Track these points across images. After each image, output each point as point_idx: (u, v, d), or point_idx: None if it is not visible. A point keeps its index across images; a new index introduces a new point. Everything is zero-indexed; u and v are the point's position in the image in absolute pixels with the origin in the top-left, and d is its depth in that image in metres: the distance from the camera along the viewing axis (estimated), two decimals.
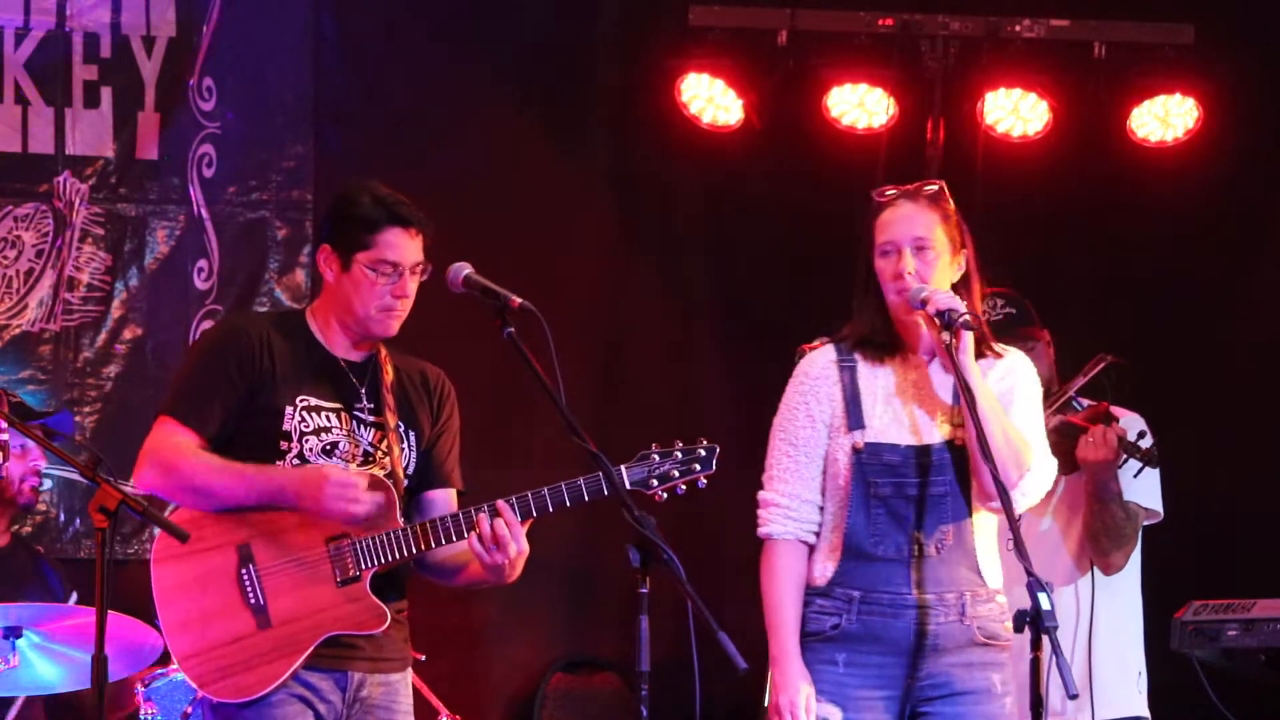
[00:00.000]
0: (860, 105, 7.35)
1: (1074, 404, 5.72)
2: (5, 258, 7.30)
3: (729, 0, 7.38)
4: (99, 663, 4.14)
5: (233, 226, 7.46)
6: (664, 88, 7.40)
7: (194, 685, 4.56)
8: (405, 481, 4.69)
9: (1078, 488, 5.67)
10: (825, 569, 4.67)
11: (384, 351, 4.76)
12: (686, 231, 7.76)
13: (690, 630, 4.15)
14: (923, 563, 4.62)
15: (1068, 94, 7.32)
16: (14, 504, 6.50)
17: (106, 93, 7.37)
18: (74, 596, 6.43)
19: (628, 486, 4.48)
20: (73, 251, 7.33)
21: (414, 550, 4.56)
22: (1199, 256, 7.56)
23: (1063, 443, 5.56)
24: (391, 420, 4.68)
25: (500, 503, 4.53)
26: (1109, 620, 5.70)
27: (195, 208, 7.42)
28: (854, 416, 4.66)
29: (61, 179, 7.34)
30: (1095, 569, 5.70)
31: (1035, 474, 4.66)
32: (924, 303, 4.58)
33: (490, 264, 4.52)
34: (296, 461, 4.58)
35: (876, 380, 4.71)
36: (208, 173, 7.43)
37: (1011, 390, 4.73)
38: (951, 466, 4.64)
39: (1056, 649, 4.20)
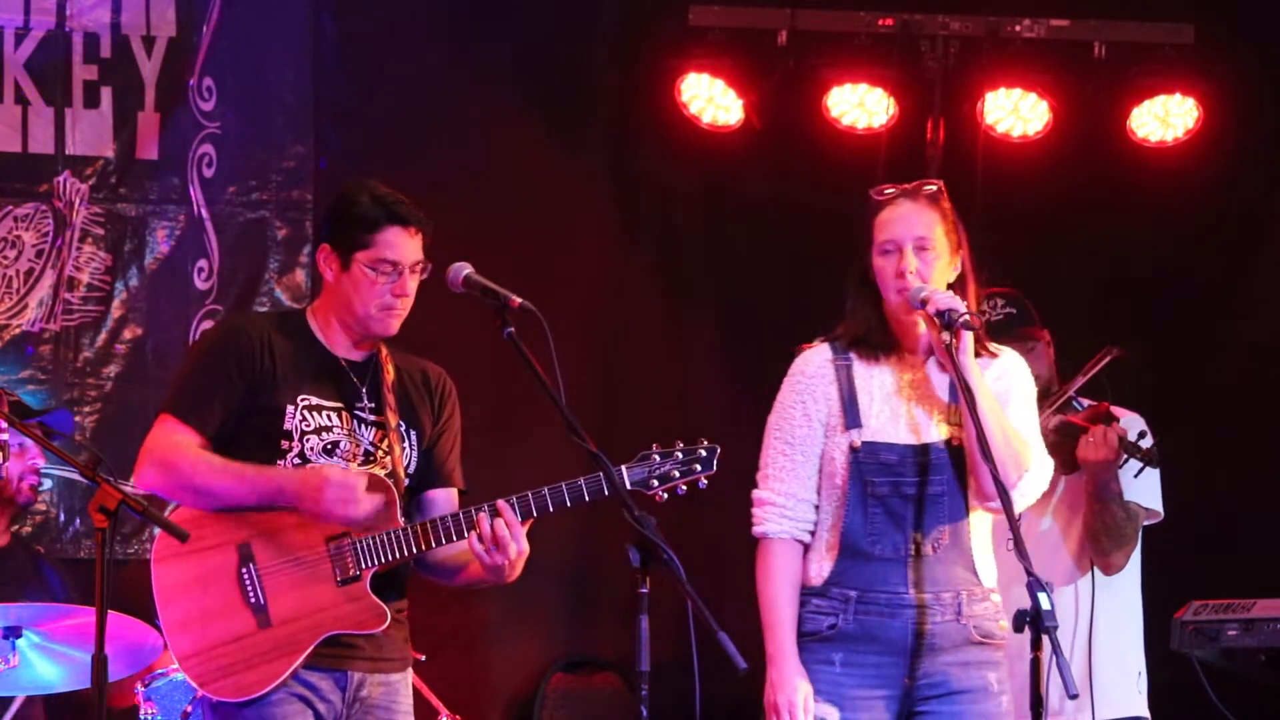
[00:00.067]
0: (860, 105, 7.35)
1: (1074, 404, 5.72)
2: (5, 258, 7.30)
3: (729, 0, 7.38)
4: (99, 663, 4.14)
5: (233, 226, 7.46)
6: (664, 88, 7.40)
7: (194, 685, 4.56)
8: (406, 481, 4.69)
9: (1078, 488, 5.67)
10: (821, 569, 4.67)
11: (385, 351, 4.76)
12: (686, 231, 7.76)
13: (690, 630, 4.15)
14: (919, 562, 4.62)
15: (1068, 94, 7.32)
16: (13, 503, 6.50)
17: (106, 93, 7.37)
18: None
19: (628, 487, 4.49)
20: (73, 251, 7.32)
21: (414, 550, 4.56)
22: (1199, 256, 7.56)
23: (1063, 443, 5.56)
24: (393, 420, 4.68)
25: (500, 503, 4.53)
26: (1109, 620, 5.69)
27: (195, 208, 7.42)
28: (851, 415, 4.66)
29: (61, 179, 7.34)
30: (1095, 569, 5.70)
31: (1033, 474, 4.67)
32: (924, 302, 4.58)
33: (490, 264, 4.52)
34: (297, 460, 4.58)
35: (873, 379, 4.71)
36: (208, 173, 7.43)
37: (1008, 390, 4.74)
38: (948, 466, 4.64)
39: (1056, 649, 4.20)
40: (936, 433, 4.67)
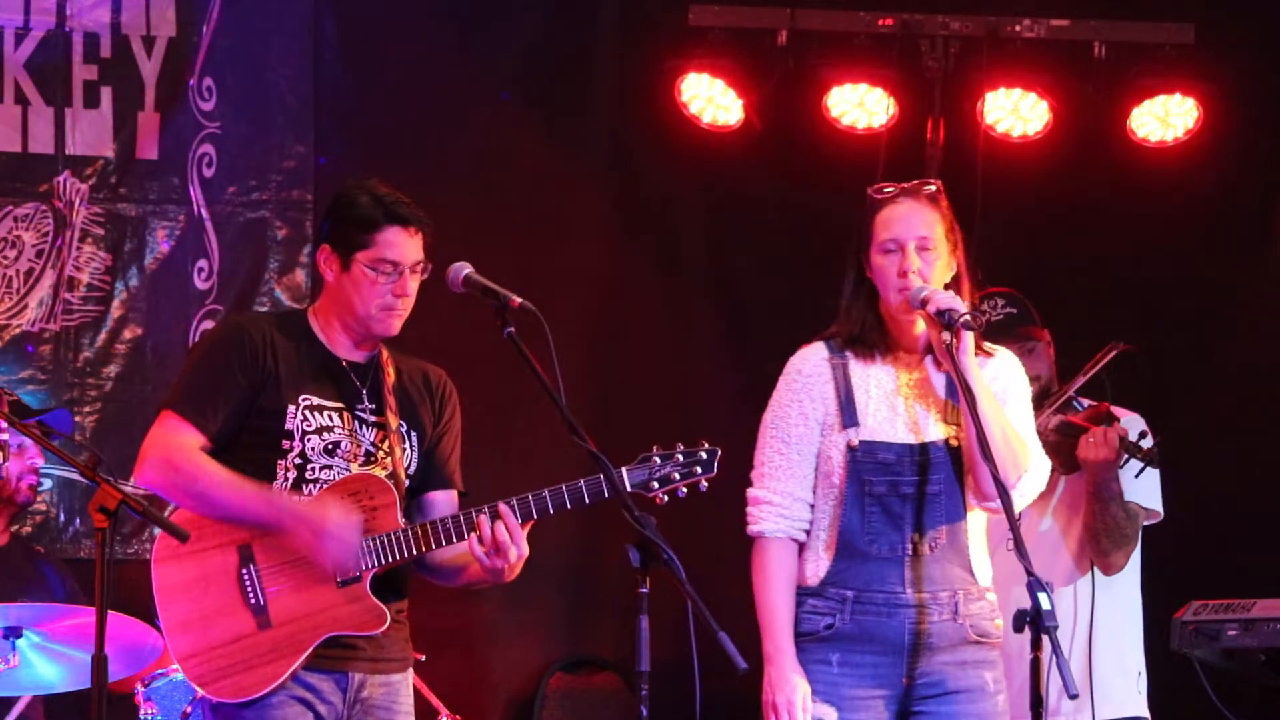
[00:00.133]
0: (860, 105, 7.34)
1: (1074, 404, 5.72)
2: (5, 258, 7.29)
3: (729, 0, 7.38)
4: (99, 663, 4.14)
5: (233, 226, 7.46)
6: (664, 87, 7.40)
7: (194, 685, 4.56)
8: (406, 482, 4.69)
9: (1078, 488, 5.67)
10: (818, 568, 4.66)
11: (386, 353, 4.76)
12: (686, 231, 7.76)
13: (690, 630, 4.15)
14: (917, 562, 4.62)
15: (1068, 94, 7.32)
16: (12, 503, 6.51)
17: (106, 93, 7.37)
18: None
19: (628, 489, 4.48)
20: (73, 251, 7.32)
21: (415, 551, 4.56)
22: (1199, 256, 7.56)
23: (1063, 443, 5.56)
24: (393, 421, 4.68)
25: (501, 505, 4.53)
26: (1109, 620, 5.69)
27: (195, 208, 7.41)
28: (848, 414, 4.66)
29: (61, 179, 7.34)
30: (1095, 569, 5.70)
31: (1032, 474, 4.67)
32: (924, 302, 4.58)
33: (490, 264, 4.52)
34: (298, 460, 4.58)
35: (869, 378, 4.71)
36: (208, 173, 7.43)
37: (1005, 390, 4.74)
38: (946, 465, 4.64)
39: (1056, 649, 4.20)
40: (934, 432, 4.66)
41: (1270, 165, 7.52)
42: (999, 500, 4.43)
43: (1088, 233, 7.55)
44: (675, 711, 4.55)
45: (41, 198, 7.33)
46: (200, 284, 7.42)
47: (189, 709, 5.93)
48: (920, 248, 4.64)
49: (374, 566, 4.54)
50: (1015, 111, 7.36)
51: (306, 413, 4.61)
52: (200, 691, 4.54)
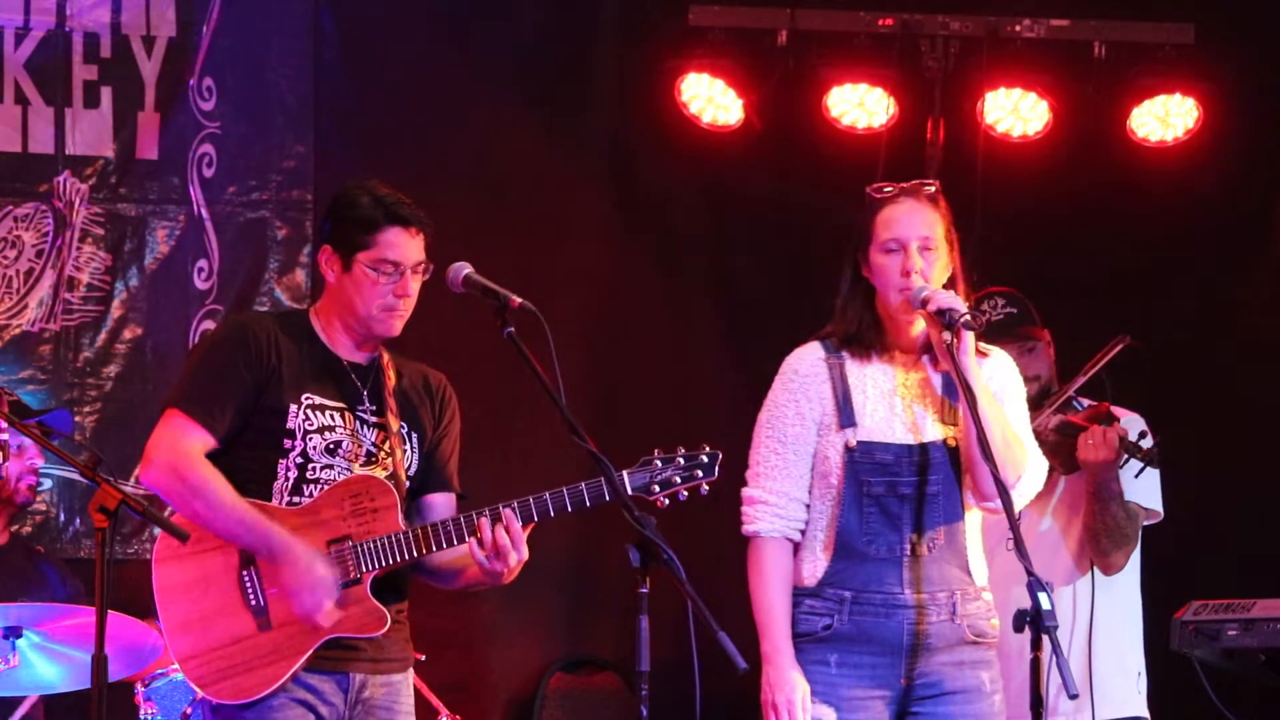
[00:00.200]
0: (860, 105, 7.35)
1: (1074, 404, 5.72)
2: (5, 258, 7.29)
3: (729, 0, 7.38)
4: (99, 663, 4.13)
5: (233, 226, 7.46)
6: (664, 88, 7.40)
7: (194, 687, 4.55)
8: (407, 484, 4.69)
9: (1078, 488, 5.67)
10: (815, 569, 4.66)
11: (386, 355, 4.75)
12: (686, 231, 7.76)
13: (690, 630, 4.15)
14: (915, 562, 4.62)
15: (1068, 94, 7.32)
16: (11, 503, 6.51)
17: (106, 93, 7.37)
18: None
19: (629, 492, 4.47)
20: (73, 251, 7.32)
21: (415, 553, 4.55)
22: (1199, 256, 7.56)
23: (1063, 443, 5.56)
24: (394, 423, 4.68)
25: (504, 509, 4.52)
26: (1109, 620, 5.69)
27: (195, 208, 7.41)
28: (846, 415, 4.65)
29: (61, 179, 7.34)
30: (1095, 569, 5.70)
31: (1030, 474, 4.67)
32: (924, 302, 4.58)
33: (490, 264, 4.52)
34: (300, 460, 4.58)
35: (866, 378, 4.70)
36: (208, 173, 7.43)
37: (1002, 390, 4.74)
38: (945, 466, 4.64)
39: (1056, 649, 4.20)
40: (932, 432, 4.66)
41: (1270, 165, 7.52)
42: (998, 500, 4.43)
43: (1088, 233, 7.55)
44: (675, 711, 4.55)
45: (41, 198, 7.33)
46: (200, 284, 7.42)
47: (189, 710, 5.94)
48: (923, 248, 4.64)
49: (374, 569, 4.54)
50: (1015, 111, 7.36)
51: (309, 412, 4.60)
52: (200, 692, 4.54)
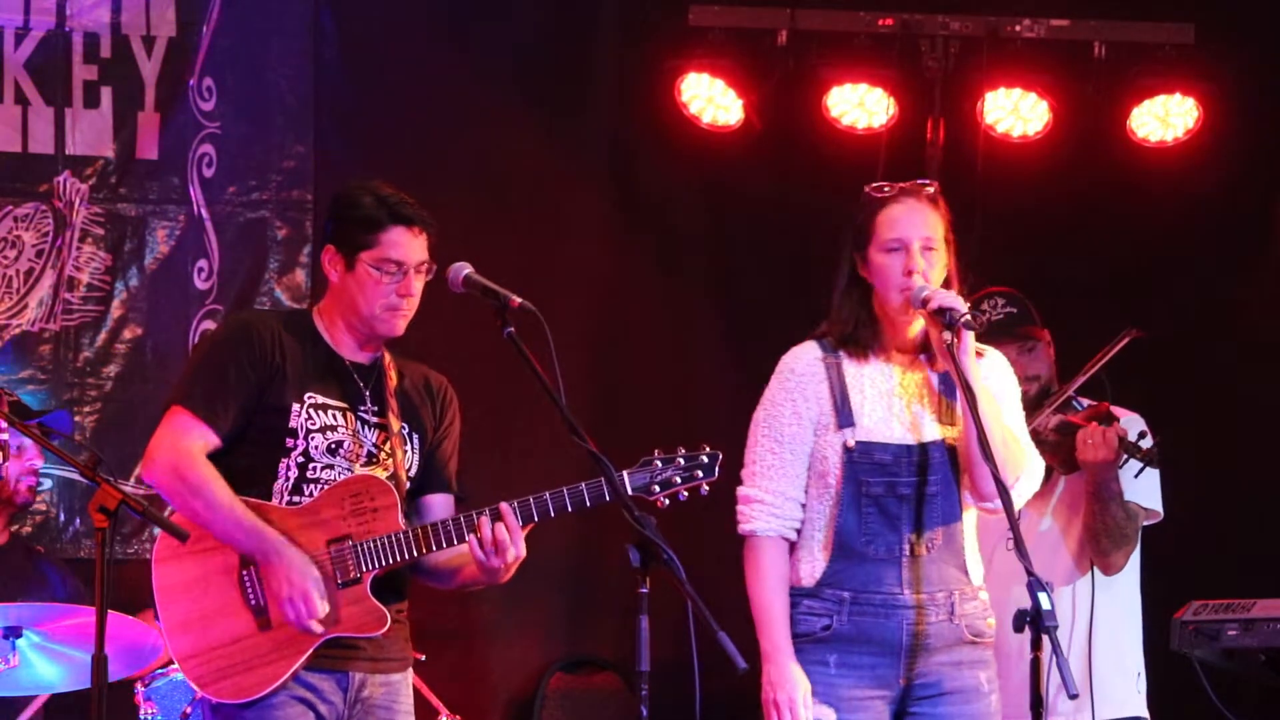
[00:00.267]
0: (860, 105, 7.34)
1: (1074, 404, 5.72)
2: (5, 258, 7.30)
3: (729, 0, 7.38)
4: (99, 663, 4.13)
5: (233, 226, 7.46)
6: (664, 88, 7.40)
7: (194, 686, 4.55)
8: (407, 484, 4.69)
9: (1078, 488, 5.67)
10: (814, 569, 4.66)
11: (388, 356, 4.76)
12: (686, 231, 7.76)
13: (690, 630, 4.15)
14: (915, 562, 4.61)
15: (1068, 94, 7.32)
16: (11, 504, 6.51)
17: (106, 93, 7.37)
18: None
19: (630, 492, 4.48)
20: (73, 251, 7.33)
21: (415, 553, 4.55)
22: (1199, 256, 7.56)
23: (1063, 443, 5.56)
24: (395, 424, 4.68)
25: (503, 506, 4.53)
26: (1108, 620, 5.69)
27: (195, 208, 7.42)
28: (844, 415, 4.65)
29: (61, 179, 7.34)
30: (1095, 569, 5.70)
31: (1028, 474, 4.67)
32: (925, 301, 4.57)
33: (490, 264, 4.52)
34: (301, 459, 4.58)
35: (863, 378, 4.70)
36: (208, 173, 7.43)
37: (999, 390, 4.73)
38: (943, 466, 4.64)
39: (1056, 649, 4.20)
40: (931, 432, 4.66)
41: (1270, 165, 7.52)
42: (997, 500, 4.43)
43: (1088, 233, 7.55)
44: (675, 711, 4.55)
45: (41, 198, 7.33)
46: (200, 284, 7.42)
47: (189, 709, 5.94)
48: (925, 248, 4.64)
49: (374, 568, 4.54)
50: (1015, 111, 7.36)
51: (311, 411, 4.60)
52: (200, 692, 4.54)
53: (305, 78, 7.50)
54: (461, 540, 4.54)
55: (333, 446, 4.61)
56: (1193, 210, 7.48)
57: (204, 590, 4.53)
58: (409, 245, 4.62)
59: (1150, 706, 5.79)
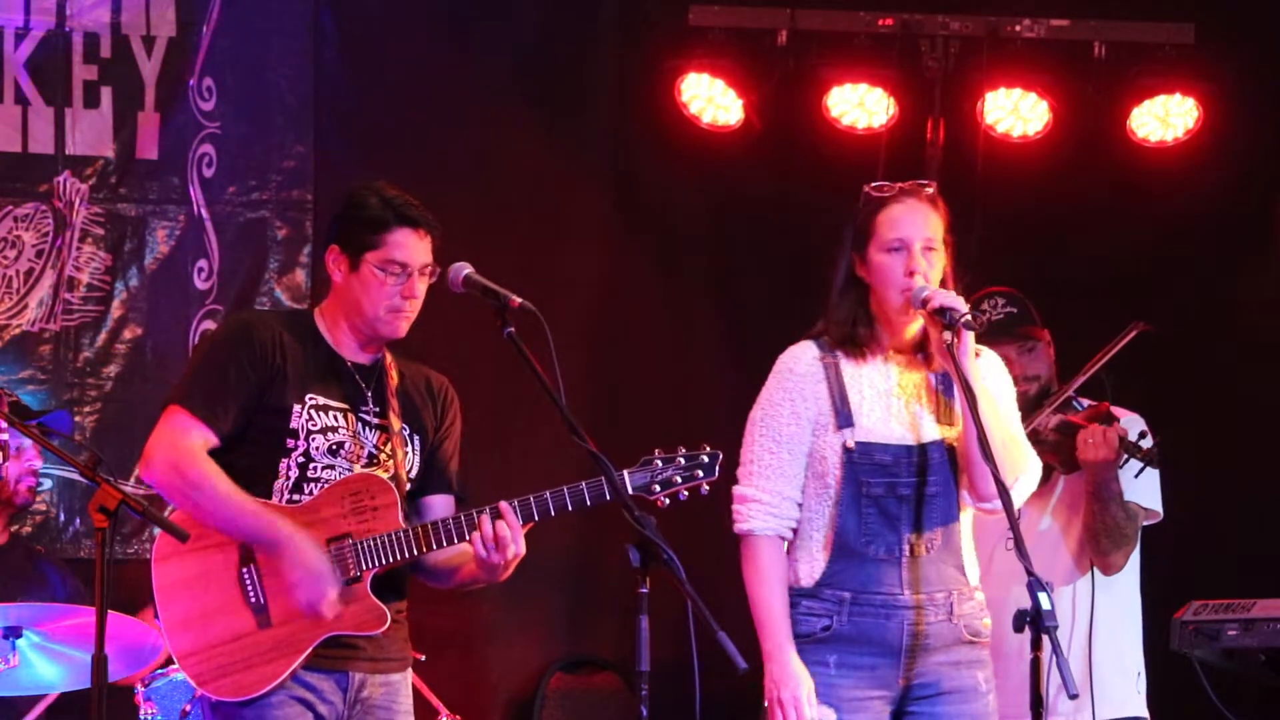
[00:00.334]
0: (860, 105, 7.35)
1: (1074, 404, 5.72)
2: (5, 258, 7.30)
3: (729, 0, 7.38)
4: (99, 663, 4.13)
5: (233, 226, 7.46)
6: (664, 88, 7.40)
7: (193, 683, 4.56)
8: (408, 484, 4.69)
9: (1077, 488, 5.67)
10: (813, 570, 4.66)
11: (389, 357, 4.76)
12: (686, 231, 7.76)
13: (690, 630, 4.15)
14: (914, 563, 4.61)
15: (1068, 94, 7.32)
16: (11, 504, 6.51)
17: (106, 93, 7.37)
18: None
19: (630, 492, 4.48)
20: (73, 251, 7.33)
21: (415, 552, 4.56)
22: (1199, 256, 7.56)
23: (1063, 442, 5.56)
24: (396, 424, 4.68)
25: (503, 504, 4.53)
26: (1108, 620, 5.69)
27: (195, 208, 7.42)
28: (843, 415, 4.65)
29: (61, 179, 7.34)
30: (1095, 569, 5.70)
31: (1027, 474, 4.67)
32: (925, 301, 4.57)
33: (490, 264, 4.52)
34: (301, 460, 4.58)
35: (861, 378, 4.70)
36: (208, 173, 7.43)
37: (996, 390, 4.73)
38: (943, 466, 4.63)
39: (1056, 648, 4.20)
40: (930, 432, 4.66)
41: (1270, 165, 7.52)
42: (996, 501, 4.43)
43: (1088, 233, 7.55)
44: (675, 711, 4.55)
45: (41, 198, 7.33)
46: (200, 284, 7.42)
47: (188, 707, 5.94)
48: (926, 248, 4.64)
49: (374, 567, 4.54)
50: (1015, 111, 7.36)
51: (312, 412, 4.60)
52: (199, 689, 4.54)
53: (305, 78, 7.50)
54: (462, 539, 4.54)
55: (334, 447, 4.61)
56: (1193, 210, 7.48)
57: (204, 588, 4.53)
58: (414, 247, 4.61)
59: (1150, 706, 5.79)
